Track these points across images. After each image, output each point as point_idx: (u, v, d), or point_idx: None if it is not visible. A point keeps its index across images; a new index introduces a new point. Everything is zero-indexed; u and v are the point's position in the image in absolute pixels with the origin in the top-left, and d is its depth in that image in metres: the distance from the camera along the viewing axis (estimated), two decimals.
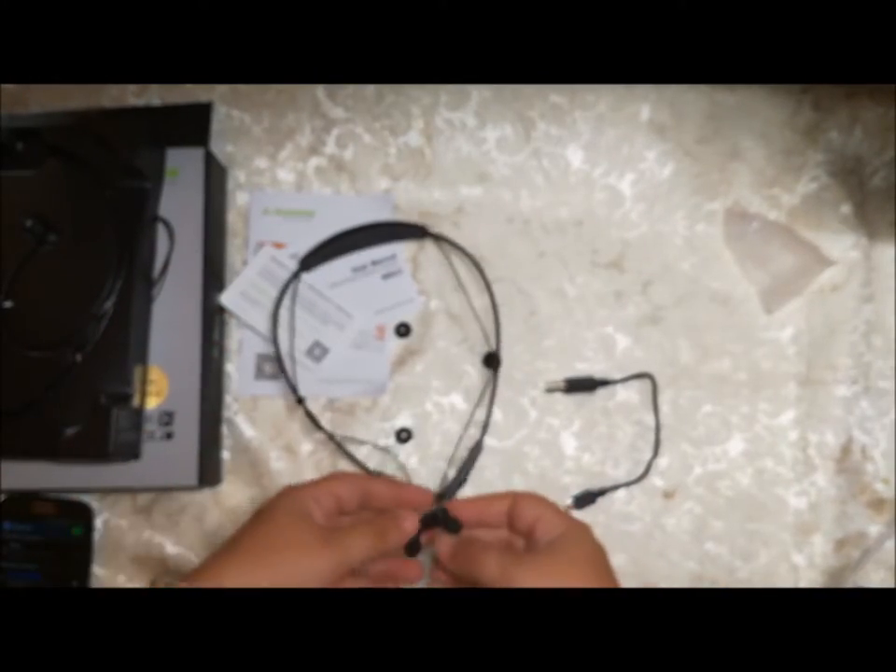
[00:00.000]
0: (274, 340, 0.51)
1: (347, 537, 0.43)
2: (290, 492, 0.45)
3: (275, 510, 0.43)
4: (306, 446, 0.51)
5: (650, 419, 0.51)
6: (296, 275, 0.52)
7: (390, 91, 0.54)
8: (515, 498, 0.45)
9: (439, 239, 0.52)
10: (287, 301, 0.51)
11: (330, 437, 0.50)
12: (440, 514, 0.45)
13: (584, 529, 0.43)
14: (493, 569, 0.40)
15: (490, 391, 0.50)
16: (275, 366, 0.51)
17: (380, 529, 0.44)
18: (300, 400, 0.50)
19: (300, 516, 0.43)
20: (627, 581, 0.47)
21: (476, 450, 0.50)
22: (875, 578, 0.49)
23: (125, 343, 0.47)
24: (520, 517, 0.44)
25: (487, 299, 0.51)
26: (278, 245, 0.53)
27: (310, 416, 0.50)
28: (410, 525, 0.45)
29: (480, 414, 0.51)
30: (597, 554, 0.42)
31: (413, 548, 0.46)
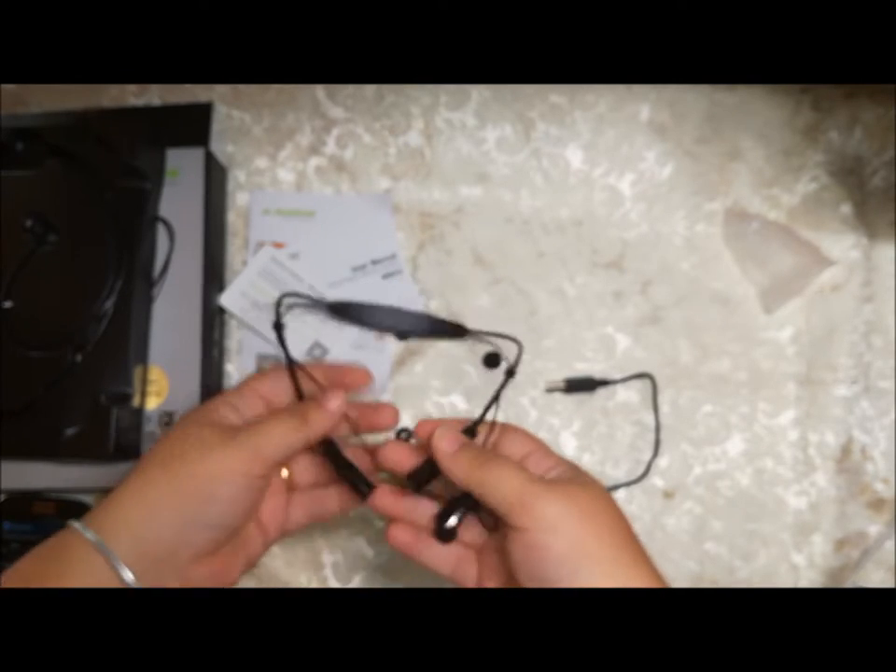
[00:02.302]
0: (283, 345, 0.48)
1: (259, 427, 0.37)
2: (206, 402, 0.40)
3: (185, 419, 0.39)
4: None
5: (650, 419, 0.51)
6: (319, 304, 0.51)
7: (390, 91, 0.54)
8: (502, 429, 0.39)
9: (478, 334, 0.51)
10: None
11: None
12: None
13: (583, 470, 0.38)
14: (515, 484, 0.34)
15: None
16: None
17: (298, 413, 0.38)
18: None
19: (209, 420, 0.38)
20: None
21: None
22: (874, 578, 0.49)
23: (125, 343, 0.47)
24: (507, 449, 0.38)
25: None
26: (278, 245, 0.53)
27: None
28: (335, 403, 0.39)
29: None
30: (616, 504, 0.36)
31: (445, 530, 0.37)
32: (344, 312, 0.51)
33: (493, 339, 0.51)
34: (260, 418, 0.39)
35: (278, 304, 0.49)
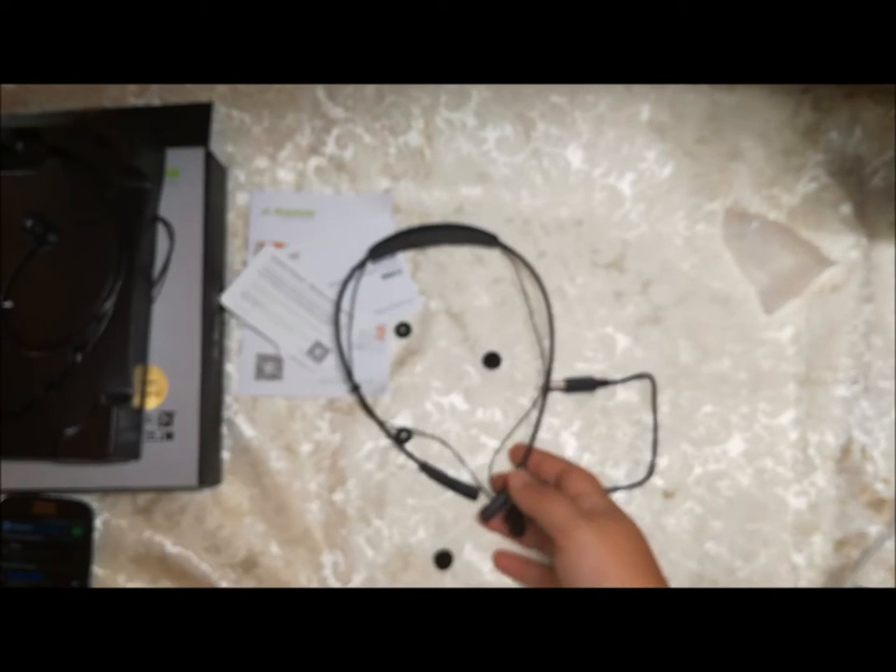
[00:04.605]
0: (336, 323, 0.51)
1: None
2: None
3: None
4: (306, 446, 0.52)
5: (649, 419, 0.51)
6: (362, 265, 0.52)
7: (390, 91, 0.54)
8: (568, 466, 0.48)
9: (507, 250, 0.52)
10: (280, 297, 0.52)
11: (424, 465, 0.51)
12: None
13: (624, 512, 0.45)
14: (562, 514, 0.42)
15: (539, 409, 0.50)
16: (276, 365, 0.52)
17: None
18: (355, 387, 0.51)
19: None
20: None
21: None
22: (874, 578, 0.49)
23: (125, 343, 0.47)
24: (567, 485, 0.46)
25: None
26: (278, 245, 0.53)
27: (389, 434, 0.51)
28: None
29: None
30: (642, 537, 0.43)
31: (518, 527, 0.49)
32: (385, 249, 0.52)
33: (514, 258, 0.52)
34: None
35: (358, 270, 0.51)
